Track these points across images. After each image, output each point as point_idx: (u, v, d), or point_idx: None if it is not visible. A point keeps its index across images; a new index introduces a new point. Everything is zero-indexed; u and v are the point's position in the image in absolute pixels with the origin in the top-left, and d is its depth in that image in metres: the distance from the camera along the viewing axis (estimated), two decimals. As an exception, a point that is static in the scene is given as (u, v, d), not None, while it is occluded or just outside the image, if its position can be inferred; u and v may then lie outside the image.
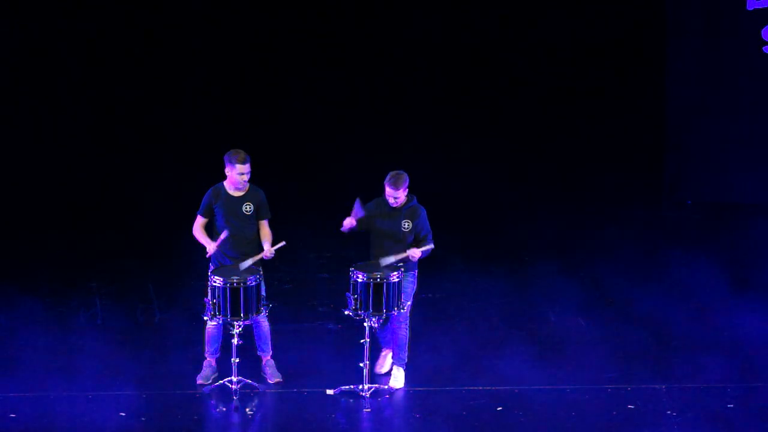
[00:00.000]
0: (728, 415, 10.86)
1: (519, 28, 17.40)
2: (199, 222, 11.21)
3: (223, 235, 11.00)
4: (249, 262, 11.04)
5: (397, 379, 11.41)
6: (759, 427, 10.69)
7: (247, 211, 11.15)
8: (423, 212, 11.23)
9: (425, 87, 17.57)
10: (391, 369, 11.51)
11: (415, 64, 17.52)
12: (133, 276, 14.06)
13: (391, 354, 11.55)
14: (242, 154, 11.02)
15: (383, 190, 11.09)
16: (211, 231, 11.23)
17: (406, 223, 11.14)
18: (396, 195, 11.03)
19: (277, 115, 17.57)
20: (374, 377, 11.41)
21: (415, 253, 11.07)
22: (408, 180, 11.07)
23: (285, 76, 17.54)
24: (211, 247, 11.05)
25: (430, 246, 11.18)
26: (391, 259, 11.04)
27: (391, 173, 11.08)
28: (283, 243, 11.14)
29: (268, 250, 11.09)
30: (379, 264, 11.04)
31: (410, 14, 17.29)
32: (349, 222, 11.09)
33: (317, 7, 17.30)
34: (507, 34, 17.41)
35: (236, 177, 11.05)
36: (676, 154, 17.09)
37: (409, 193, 11.16)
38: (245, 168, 11.03)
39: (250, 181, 11.16)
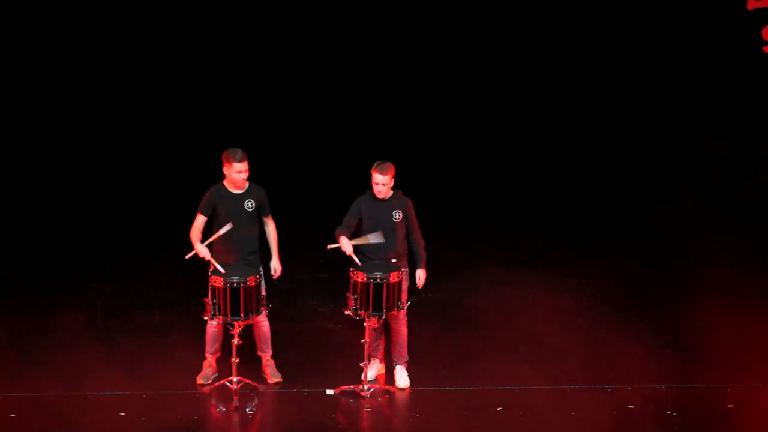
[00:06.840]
0: (728, 415, 10.86)
1: (518, 27, 17.40)
2: (200, 221, 11.18)
3: (225, 228, 10.99)
4: (211, 238, 11.05)
5: (404, 378, 11.42)
6: (759, 427, 10.69)
7: (248, 208, 11.15)
8: (411, 204, 11.27)
9: (426, 86, 17.56)
10: (381, 372, 11.55)
11: (416, 63, 17.52)
12: (133, 276, 14.05)
13: (377, 362, 11.57)
14: (240, 152, 11.02)
15: (370, 179, 11.12)
16: (208, 232, 11.22)
17: (397, 213, 11.17)
18: (384, 181, 11.08)
19: (277, 113, 17.56)
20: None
21: (419, 278, 11.26)
22: (394, 169, 11.10)
23: (285, 74, 17.53)
24: (204, 252, 11.03)
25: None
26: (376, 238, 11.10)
27: (378, 161, 11.14)
28: (280, 274, 11.37)
29: (276, 268, 11.35)
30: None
31: (410, 11, 17.32)
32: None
33: (317, 7, 17.32)
34: (506, 32, 17.41)
35: (234, 175, 11.05)
36: (676, 154, 17.09)
37: (396, 186, 11.20)
38: (242, 166, 11.03)
39: (249, 179, 11.17)
